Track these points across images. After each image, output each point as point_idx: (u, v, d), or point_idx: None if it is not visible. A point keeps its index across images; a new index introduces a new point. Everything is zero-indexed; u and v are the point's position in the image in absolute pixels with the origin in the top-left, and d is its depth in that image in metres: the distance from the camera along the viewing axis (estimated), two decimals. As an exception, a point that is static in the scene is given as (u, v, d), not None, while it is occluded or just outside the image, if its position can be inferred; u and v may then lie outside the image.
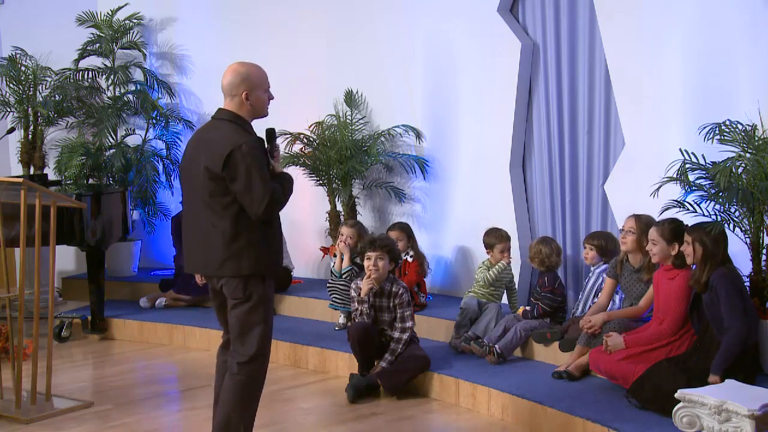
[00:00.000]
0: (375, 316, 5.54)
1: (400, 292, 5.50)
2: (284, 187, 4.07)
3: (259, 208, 3.92)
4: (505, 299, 6.12)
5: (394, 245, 5.70)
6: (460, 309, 5.94)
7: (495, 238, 6.06)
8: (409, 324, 5.51)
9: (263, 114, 4.15)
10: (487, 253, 6.10)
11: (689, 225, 4.74)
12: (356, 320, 5.56)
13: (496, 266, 5.98)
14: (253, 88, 4.05)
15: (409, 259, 6.46)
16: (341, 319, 6.52)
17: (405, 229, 6.57)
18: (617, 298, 5.44)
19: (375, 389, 5.48)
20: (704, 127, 4.94)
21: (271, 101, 4.18)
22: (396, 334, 5.50)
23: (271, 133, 4.20)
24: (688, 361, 4.64)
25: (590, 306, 5.52)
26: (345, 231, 6.60)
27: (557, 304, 5.68)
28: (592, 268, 5.65)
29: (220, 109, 4.12)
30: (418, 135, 6.97)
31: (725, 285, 4.49)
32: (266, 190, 3.91)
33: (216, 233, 3.98)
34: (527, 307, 5.77)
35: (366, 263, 5.54)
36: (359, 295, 5.53)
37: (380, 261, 5.48)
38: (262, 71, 4.13)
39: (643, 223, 5.18)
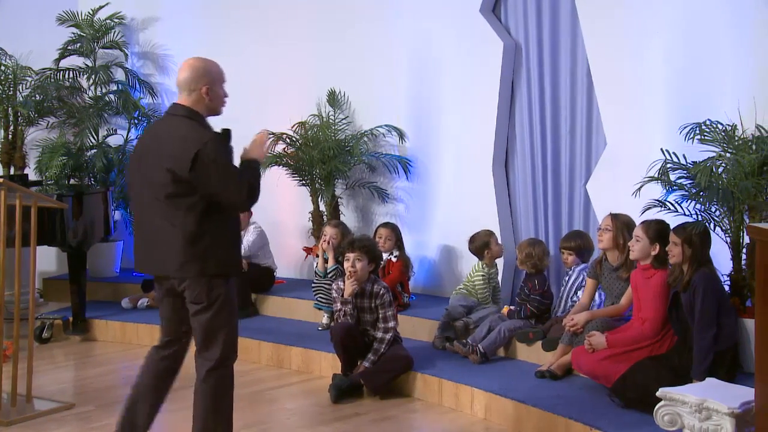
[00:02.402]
0: (357, 317, 5.54)
1: (381, 292, 5.50)
2: (254, 175, 3.97)
3: (242, 200, 3.87)
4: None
5: (374, 246, 5.68)
6: (446, 310, 5.95)
7: (485, 237, 6.07)
8: (391, 324, 5.51)
9: (219, 111, 4.06)
10: (486, 254, 6.07)
11: (675, 226, 4.76)
12: (339, 320, 5.55)
13: (486, 271, 6.01)
14: (213, 83, 3.97)
15: (394, 259, 6.46)
16: (324, 320, 6.51)
17: (395, 230, 6.58)
18: (598, 297, 5.46)
19: (358, 389, 5.48)
20: (685, 127, 4.98)
21: (226, 99, 4.08)
22: (379, 334, 5.50)
23: (226, 134, 4.07)
24: (671, 360, 4.67)
25: (571, 304, 5.54)
26: (328, 231, 6.59)
27: (545, 306, 5.69)
28: (572, 267, 5.67)
29: (174, 105, 4.00)
30: (401, 135, 6.98)
31: (704, 287, 4.52)
32: (243, 181, 3.87)
33: (176, 233, 3.86)
34: (512, 307, 5.78)
35: (345, 264, 5.54)
36: (342, 295, 5.53)
37: (358, 262, 5.47)
38: (220, 67, 4.07)
39: (620, 221, 5.22)
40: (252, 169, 3.98)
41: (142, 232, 4.05)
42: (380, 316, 5.50)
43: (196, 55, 3.77)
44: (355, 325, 5.50)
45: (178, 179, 3.82)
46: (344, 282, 5.54)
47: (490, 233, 6.11)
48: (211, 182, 3.82)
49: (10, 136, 7.80)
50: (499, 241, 6.17)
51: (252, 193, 3.90)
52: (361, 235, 6.12)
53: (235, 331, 4.06)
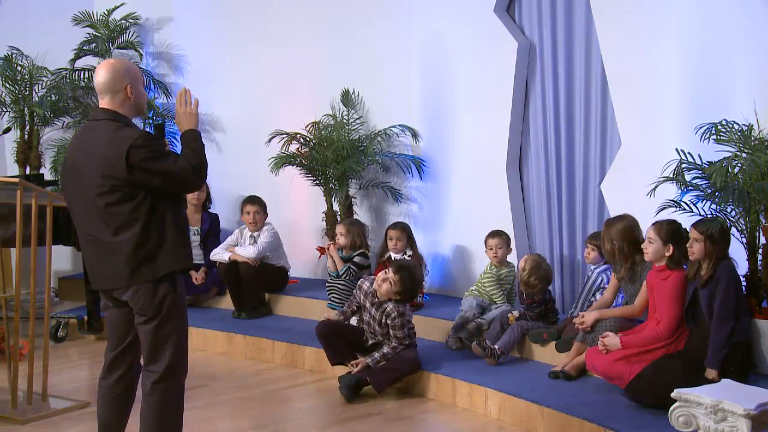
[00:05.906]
0: (369, 323, 5.58)
1: (393, 314, 5.45)
2: (197, 151, 3.82)
3: (191, 184, 3.79)
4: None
5: (414, 283, 5.54)
6: (460, 310, 5.94)
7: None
8: (396, 343, 5.48)
9: (144, 110, 3.98)
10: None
11: (696, 221, 4.73)
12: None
13: (494, 273, 6.00)
14: (135, 82, 3.84)
15: (408, 258, 6.46)
16: (338, 319, 6.53)
17: (406, 229, 6.59)
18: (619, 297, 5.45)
19: (366, 385, 5.48)
20: (700, 127, 4.95)
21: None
22: (392, 343, 5.51)
23: (160, 128, 3.99)
24: (685, 356, 4.66)
25: (588, 306, 5.52)
26: (338, 229, 6.68)
27: (543, 305, 5.67)
28: (591, 268, 5.66)
29: (97, 109, 3.88)
30: (415, 135, 6.97)
31: (728, 278, 4.56)
32: (186, 164, 3.73)
33: (121, 242, 3.72)
34: (516, 313, 5.72)
35: (379, 274, 5.55)
36: (360, 293, 5.60)
37: (385, 284, 5.43)
38: (137, 67, 3.97)
39: (613, 230, 5.17)
40: (193, 144, 3.83)
41: (89, 249, 3.86)
42: (390, 333, 5.51)
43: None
44: (342, 321, 5.69)
45: (117, 184, 3.69)
46: (369, 283, 5.59)
47: (508, 240, 6.12)
48: (153, 178, 3.69)
49: (26, 136, 7.85)
50: (511, 245, 6.15)
51: (199, 172, 3.78)
52: (414, 266, 5.78)
53: (184, 341, 3.85)
